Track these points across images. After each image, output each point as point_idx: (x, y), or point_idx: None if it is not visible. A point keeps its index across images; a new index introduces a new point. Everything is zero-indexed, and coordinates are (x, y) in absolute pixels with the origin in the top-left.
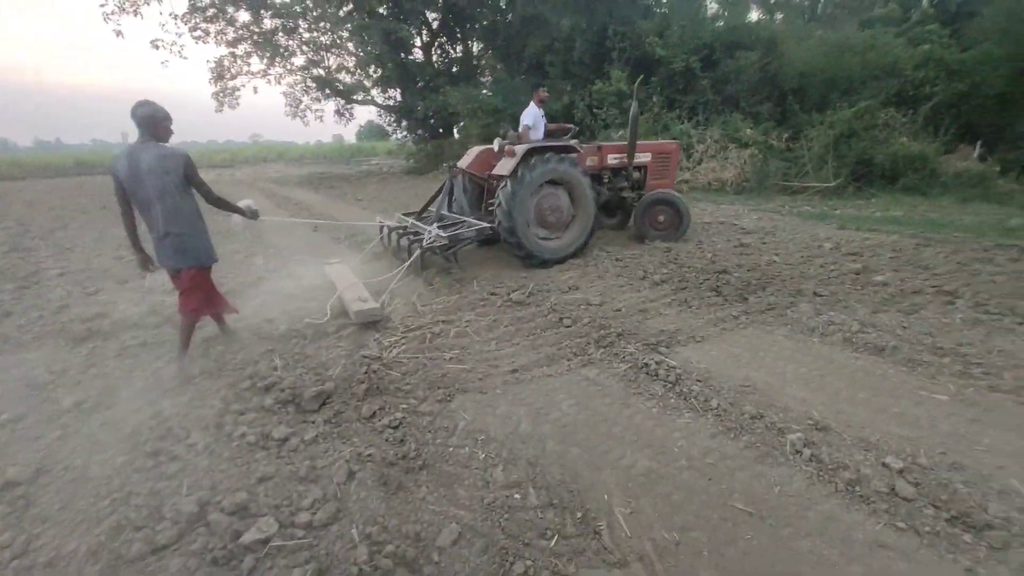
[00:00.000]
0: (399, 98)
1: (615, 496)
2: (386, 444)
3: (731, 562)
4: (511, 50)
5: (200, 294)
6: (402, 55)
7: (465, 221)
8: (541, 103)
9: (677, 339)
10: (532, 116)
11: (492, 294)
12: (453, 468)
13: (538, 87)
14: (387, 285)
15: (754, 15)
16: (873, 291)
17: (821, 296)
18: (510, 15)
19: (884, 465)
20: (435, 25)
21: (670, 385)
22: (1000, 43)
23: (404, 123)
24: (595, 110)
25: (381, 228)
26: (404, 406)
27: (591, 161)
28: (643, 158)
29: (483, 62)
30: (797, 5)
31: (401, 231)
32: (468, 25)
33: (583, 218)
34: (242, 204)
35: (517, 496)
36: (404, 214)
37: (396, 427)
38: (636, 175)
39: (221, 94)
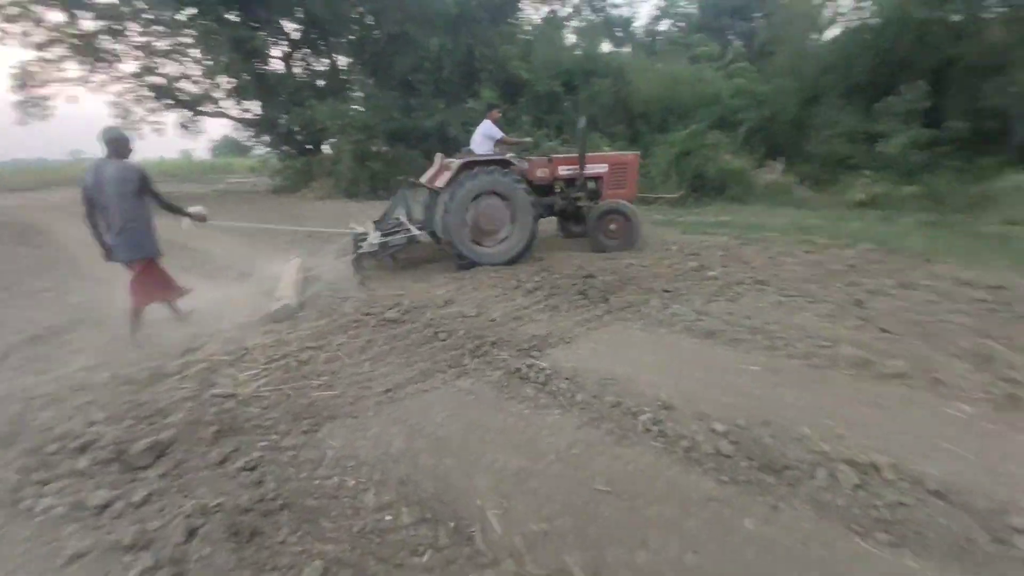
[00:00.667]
0: (259, 111)
1: (488, 499)
2: (240, 489)
3: (592, 539)
4: (380, 66)
5: (149, 281)
6: (258, 65)
7: (403, 229)
8: (496, 121)
9: (548, 342)
10: (494, 130)
11: (366, 314)
12: (318, 501)
13: (492, 108)
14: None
15: (606, 47)
16: (707, 284)
17: (668, 292)
18: (376, 31)
19: (712, 431)
20: (295, 36)
21: (540, 386)
22: (790, 78)
23: (266, 138)
24: (470, 128)
25: (352, 234)
26: (263, 443)
27: (542, 172)
28: (598, 169)
29: (351, 77)
30: (640, 40)
31: (362, 237)
32: (332, 38)
33: (522, 226)
34: (192, 210)
35: (388, 518)
36: (373, 221)
37: (252, 468)
38: (591, 185)
39: (27, 104)
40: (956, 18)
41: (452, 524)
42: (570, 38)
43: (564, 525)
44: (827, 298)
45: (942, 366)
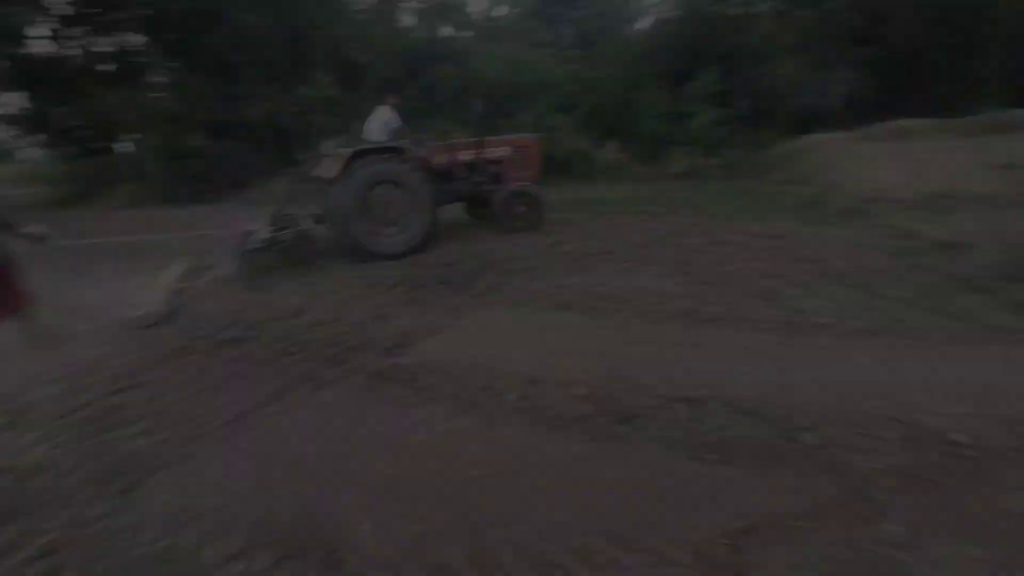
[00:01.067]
0: (26, 104)
1: (358, 515)
2: None
3: (472, 527)
4: (187, 47)
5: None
6: (13, 49)
7: (293, 223)
8: (395, 107)
9: (413, 337)
10: (393, 118)
11: (198, 338)
12: (143, 573)
13: (388, 92)
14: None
15: (447, 30)
16: (563, 259)
17: (528, 270)
18: (175, 5)
19: (574, 396)
20: (67, 12)
21: (407, 383)
22: (614, 65)
23: (40, 137)
24: (309, 117)
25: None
26: (59, 521)
27: (441, 158)
28: (500, 152)
29: (149, 60)
30: (480, 25)
31: (251, 235)
32: (115, 13)
33: (421, 214)
34: (29, 230)
35: (240, 568)
36: (265, 219)
37: (46, 555)
38: (494, 169)
39: None
40: (734, 12)
41: (320, 553)
42: (407, 20)
43: (442, 520)
44: (660, 260)
45: (745, 306)
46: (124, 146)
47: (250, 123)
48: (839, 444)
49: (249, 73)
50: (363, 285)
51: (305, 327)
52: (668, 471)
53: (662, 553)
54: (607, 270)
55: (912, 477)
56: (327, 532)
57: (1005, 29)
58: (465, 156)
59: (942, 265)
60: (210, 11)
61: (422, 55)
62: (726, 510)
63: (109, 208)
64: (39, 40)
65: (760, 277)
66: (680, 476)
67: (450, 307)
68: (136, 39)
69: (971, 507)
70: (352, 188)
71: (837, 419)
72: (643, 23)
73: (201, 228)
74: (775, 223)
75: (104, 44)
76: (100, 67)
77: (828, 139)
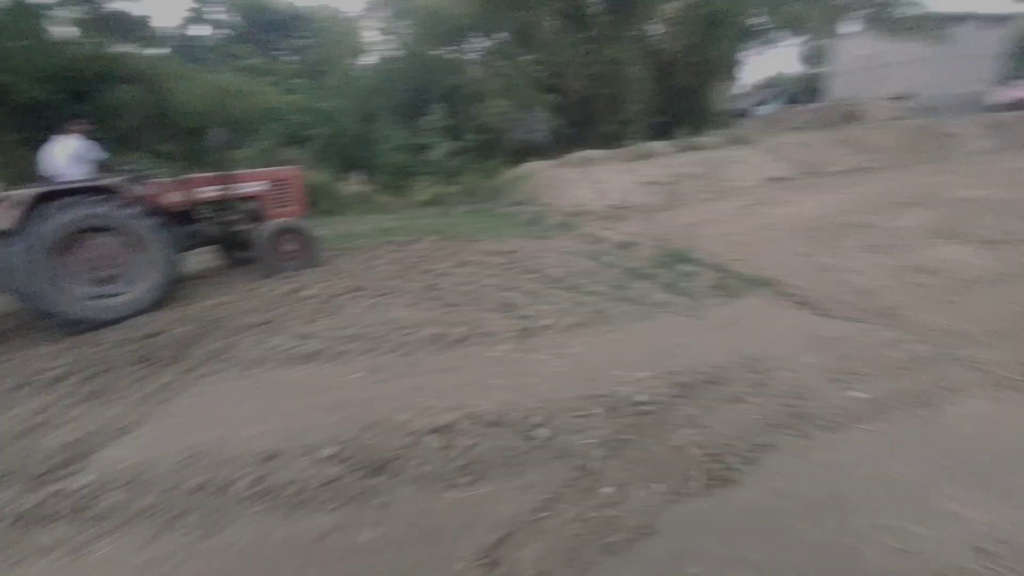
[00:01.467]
0: None
1: None
2: None
3: None
4: None
5: None
6: None
7: None
8: (83, 135)
9: (91, 445)
10: (90, 148)
11: None
12: None
13: (74, 119)
14: None
15: (124, 47)
16: (305, 305)
17: (263, 325)
18: None
19: (320, 459)
20: None
21: (77, 515)
22: (344, 97)
23: None
24: None
25: None
26: None
27: (176, 197)
28: (256, 187)
29: None
30: (174, 44)
31: None
32: None
33: (152, 264)
34: None
35: None
36: None
37: None
38: (249, 206)
39: None
40: (449, 57)
41: None
42: (61, 32)
43: None
44: (409, 289)
45: (486, 321)
46: None
47: None
48: (565, 430)
49: None
50: (4, 387)
51: None
52: (424, 510)
53: None
54: (356, 308)
55: (616, 442)
56: None
57: (636, 85)
58: (208, 193)
59: (621, 261)
60: None
61: (89, 74)
62: (482, 528)
63: None
64: None
65: (497, 291)
66: (437, 511)
67: (152, 391)
68: None
69: (654, 451)
70: (41, 240)
71: (560, 408)
72: (369, 58)
73: None
74: (507, 240)
75: None
76: None
77: (538, 166)
